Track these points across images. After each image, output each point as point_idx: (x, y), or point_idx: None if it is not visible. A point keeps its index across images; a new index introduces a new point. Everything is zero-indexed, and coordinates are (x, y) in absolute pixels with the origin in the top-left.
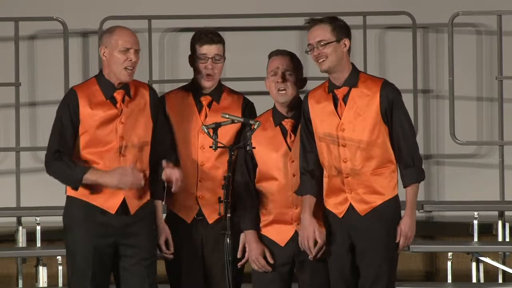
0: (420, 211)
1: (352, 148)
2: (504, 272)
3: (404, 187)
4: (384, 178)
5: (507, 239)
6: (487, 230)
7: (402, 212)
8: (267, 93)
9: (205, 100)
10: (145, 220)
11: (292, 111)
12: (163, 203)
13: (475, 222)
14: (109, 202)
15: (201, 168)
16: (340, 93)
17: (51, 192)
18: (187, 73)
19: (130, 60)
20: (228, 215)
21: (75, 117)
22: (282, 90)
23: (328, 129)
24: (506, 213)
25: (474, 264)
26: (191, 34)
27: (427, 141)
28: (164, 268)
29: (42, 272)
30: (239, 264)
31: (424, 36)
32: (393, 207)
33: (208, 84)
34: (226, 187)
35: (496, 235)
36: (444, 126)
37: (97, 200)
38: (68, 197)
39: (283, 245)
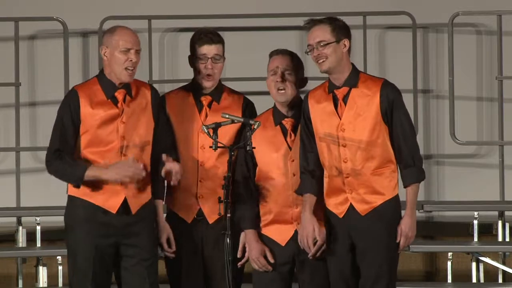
0: (420, 211)
1: (353, 148)
2: (504, 272)
3: (405, 187)
4: (384, 178)
5: (507, 239)
6: (487, 230)
7: (403, 212)
8: (267, 93)
9: (205, 100)
10: (146, 220)
11: (292, 111)
12: (164, 203)
13: (475, 222)
14: (110, 202)
15: (201, 168)
16: (340, 93)
17: (51, 192)
18: (187, 73)
19: (131, 60)
20: (228, 215)
21: (76, 117)
22: (281, 90)
23: (328, 129)
24: (506, 213)
25: (474, 264)
26: (191, 34)
27: (427, 141)
28: (164, 268)
29: (42, 272)
30: (239, 263)
31: (424, 36)
32: (394, 207)
33: (208, 84)
34: (226, 187)
35: (496, 235)
36: (444, 126)
37: (98, 200)
38: (69, 196)
39: (283, 244)
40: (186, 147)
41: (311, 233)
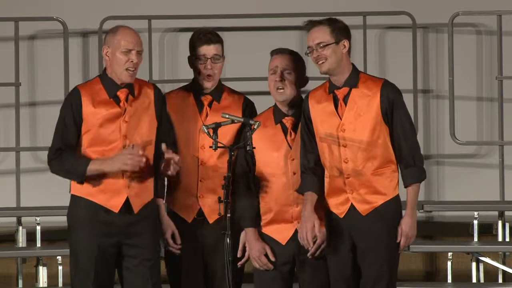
0: (420, 211)
1: (353, 148)
2: (504, 272)
3: (405, 187)
4: (385, 178)
5: (507, 239)
6: (487, 230)
7: (403, 213)
8: (267, 93)
9: (205, 100)
10: (148, 220)
11: (292, 109)
12: (164, 202)
13: (475, 222)
14: (112, 201)
15: (202, 167)
16: (340, 93)
17: (51, 192)
18: (187, 73)
19: (132, 61)
20: (228, 215)
21: (78, 116)
22: (280, 89)
23: (329, 129)
24: (506, 213)
25: (474, 264)
26: (191, 34)
27: (427, 141)
28: (164, 268)
29: (42, 272)
30: (240, 263)
31: (424, 36)
32: (395, 207)
33: (208, 85)
34: (226, 187)
35: (496, 235)
36: (444, 126)
37: (100, 199)
38: (72, 196)
39: (283, 243)
40: (186, 147)
41: (311, 229)
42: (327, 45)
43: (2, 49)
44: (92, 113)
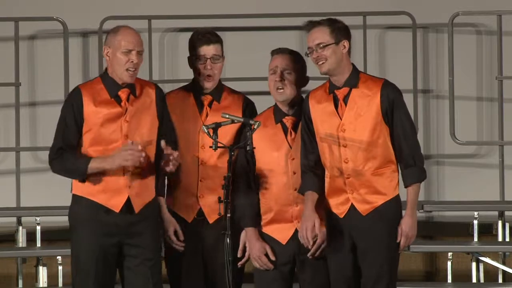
0: (420, 211)
1: (353, 148)
2: (504, 272)
3: (405, 187)
4: (385, 178)
5: (507, 239)
6: (487, 230)
7: (403, 212)
8: (267, 93)
9: (205, 100)
10: (149, 219)
11: (293, 109)
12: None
13: (475, 222)
14: (113, 201)
15: (202, 167)
16: (340, 93)
17: (51, 192)
18: (187, 73)
19: (132, 61)
20: (228, 215)
21: (79, 115)
22: (280, 89)
23: (329, 129)
24: (506, 213)
25: (474, 264)
26: (191, 34)
27: (427, 141)
28: (164, 267)
29: (42, 272)
30: (240, 263)
31: (424, 36)
32: (395, 207)
33: (208, 85)
34: (226, 187)
35: (496, 235)
36: (444, 126)
37: (101, 199)
38: (73, 195)
39: (284, 243)
40: (186, 147)
41: (311, 228)
42: (327, 45)
43: (2, 49)
44: (93, 113)
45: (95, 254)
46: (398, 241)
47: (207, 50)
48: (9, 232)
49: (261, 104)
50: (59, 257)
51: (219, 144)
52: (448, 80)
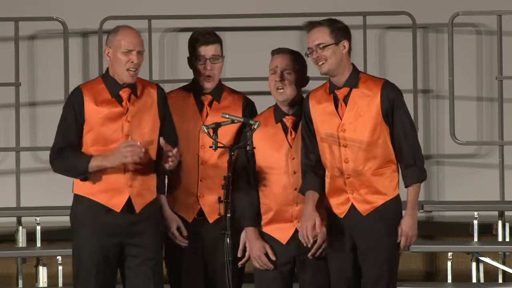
0: (420, 211)
1: (354, 148)
2: (504, 272)
3: (406, 187)
4: (385, 178)
5: (507, 239)
6: (487, 230)
7: (404, 212)
8: (267, 93)
9: (206, 100)
10: (150, 219)
11: (293, 109)
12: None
13: (475, 222)
14: (114, 200)
15: (202, 167)
16: (340, 93)
17: (51, 192)
18: (187, 73)
19: (132, 62)
20: (228, 215)
21: (80, 115)
22: (280, 89)
23: (329, 129)
24: (506, 213)
25: (474, 264)
26: (191, 34)
27: (427, 141)
28: (164, 267)
29: (42, 272)
30: (240, 263)
31: (424, 36)
32: (395, 207)
33: (208, 86)
34: (226, 187)
35: (496, 235)
36: (444, 126)
37: (102, 199)
38: (74, 195)
39: (284, 243)
40: (187, 147)
41: (312, 227)
42: (326, 46)
43: (2, 49)
44: (94, 112)
45: (96, 254)
46: (398, 241)
47: (206, 50)
48: (9, 232)
49: (261, 104)
50: (59, 257)
51: (219, 144)
52: (448, 80)
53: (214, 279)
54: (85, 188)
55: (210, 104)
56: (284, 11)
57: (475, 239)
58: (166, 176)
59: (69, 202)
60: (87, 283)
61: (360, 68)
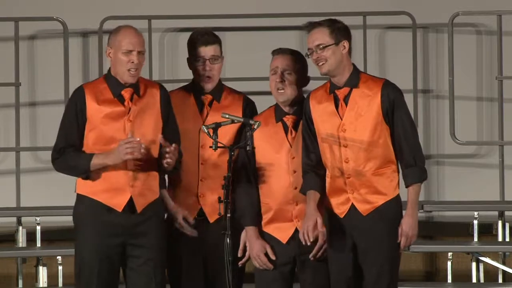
0: (420, 211)
1: (354, 148)
2: (504, 272)
3: (406, 187)
4: (385, 178)
5: (507, 239)
6: (487, 230)
7: (404, 212)
8: (267, 93)
9: (206, 99)
10: (152, 219)
11: (293, 108)
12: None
13: (475, 222)
14: (116, 200)
15: (202, 167)
16: (341, 93)
17: (51, 192)
18: (187, 73)
19: (133, 62)
20: (228, 215)
21: (81, 115)
22: (280, 90)
23: (330, 129)
24: (506, 213)
25: (474, 264)
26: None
27: (427, 141)
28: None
29: (42, 272)
30: (240, 262)
31: (424, 36)
32: (395, 207)
33: (208, 86)
34: (226, 187)
35: (496, 235)
36: (444, 126)
37: (104, 198)
38: (77, 195)
39: (284, 242)
40: (187, 146)
41: (313, 226)
42: (326, 46)
43: (2, 49)
44: (96, 111)
45: (98, 254)
46: (398, 241)
47: (206, 51)
48: (9, 232)
49: (261, 104)
50: (59, 257)
51: (219, 144)
52: (448, 80)
53: (214, 279)
54: (87, 188)
55: (210, 104)
56: (284, 11)
57: (475, 239)
58: (167, 175)
59: (69, 202)
60: (89, 283)
61: (360, 68)
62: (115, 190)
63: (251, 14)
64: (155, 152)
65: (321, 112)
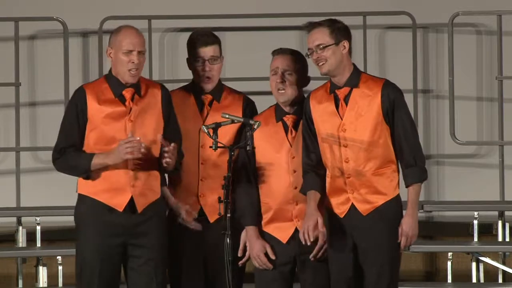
0: (420, 211)
1: (354, 148)
2: (504, 272)
3: (406, 186)
4: (385, 178)
5: (507, 239)
6: (487, 230)
7: (404, 212)
8: (267, 93)
9: (206, 99)
10: (153, 219)
11: (294, 108)
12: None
13: (475, 222)
14: (116, 200)
15: (202, 167)
16: (341, 93)
17: (51, 192)
18: (187, 73)
19: (133, 62)
20: (228, 215)
21: (82, 115)
22: (281, 90)
23: (330, 129)
24: (506, 213)
25: (474, 264)
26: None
27: (427, 141)
28: None
29: (42, 272)
30: (240, 262)
31: (424, 36)
32: (395, 207)
33: (208, 87)
34: (226, 187)
35: (496, 235)
36: (444, 126)
37: (105, 198)
38: (78, 195)
39: (284, 242)
40: (187, 146)
41: (313, 226)
42: (326, 46)
43: (2, 49)
44: (97, 111)
45: (99, 254)
46: (398, 241)
47: (205, 51)
48: (9, 232)
49: (261, 104)
50: (59, 257)
51: (219, 144)
52: (448, 80)
53: (214, 279)
54: (88, 188)
55: (210, 104)
56: (284, 11)
57: (475, 239)
58: (167, 175)
59: (69, 202)
60: (90, 283)
61: (360, 68)
62: (116, 190)
63: (251, 14)
64: (156, 152)
65: (321, 112)
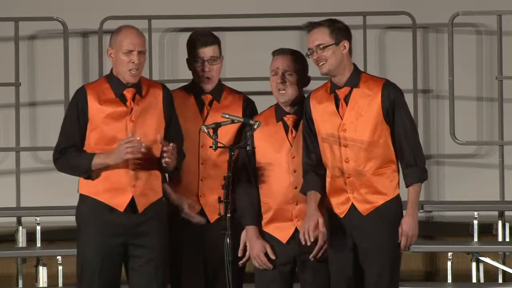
0: (420, 211)
1: (354, 148)
2: (504, 272)
3: (406, 186)
4: (385, 178)
5: (507, 239)
6: (487, 230)
7: (404, 212)
8: (267, 93)
9: (206, 99)
10: (154, 219)
11: (294, 107)
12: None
13: (475, 222)
14: (117, 200)
15: (203, 166)
16: (341, 93)
17: (51, 192)
18: (187, 73)
19: (133, 62)
20: (228, 215)
21: (83, 115)
22: (281, 90)
23: (330, 129)
24: (506, 213)
25: (474, 264)
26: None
27: (427, 141)
28: None
29: (42, 272)
30: (240, 262)
31: (424, 36)
32: (395, 207)
33: (207, 87)
34: (226, 187)
35: (496, 235)
36: (444, 126)
37: (106, 198)
38: (80, 195)
39: (284, 242)
40: (187, 146)
41: (314, 226)
42: (326, 46)
43: (2, 49)
44: (98, 111)
45: (100, 253)
46: (398, 241)
47: (204, 52)
48: (9, 232)
49: (261, 104)
50: (59, 257)
51: (219, 144)
52: (448, 80)
53: (214, 279)
54: (89, 188)
55: (210, 104)
56: (284, 11)
57: (475, 239)
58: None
59: (69, 202)
60: (91, 283)
61: (360, 68)
62: (116, 190)
63: (251, 14)
64: (157, 152)
65: (321, 112)
